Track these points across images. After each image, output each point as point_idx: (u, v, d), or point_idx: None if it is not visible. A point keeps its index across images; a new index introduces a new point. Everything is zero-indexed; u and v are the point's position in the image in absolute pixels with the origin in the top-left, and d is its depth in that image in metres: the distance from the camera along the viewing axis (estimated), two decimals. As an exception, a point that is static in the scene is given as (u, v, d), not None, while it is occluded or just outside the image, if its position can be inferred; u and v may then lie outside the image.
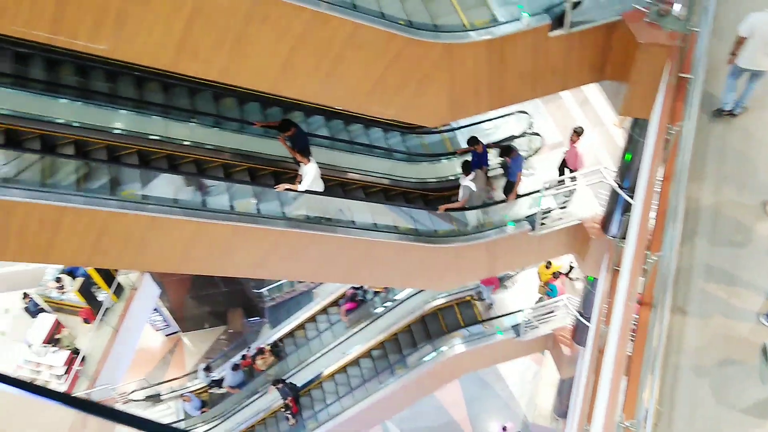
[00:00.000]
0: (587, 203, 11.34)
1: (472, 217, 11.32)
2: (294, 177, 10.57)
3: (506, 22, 8.01)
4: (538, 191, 10.84)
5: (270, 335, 17.54)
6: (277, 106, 12.03)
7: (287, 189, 9.73)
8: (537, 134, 12.55)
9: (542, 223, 11.06)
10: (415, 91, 8.33)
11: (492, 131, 12.91)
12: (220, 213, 9.53)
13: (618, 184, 10.32)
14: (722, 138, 6.62)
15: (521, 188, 11.34)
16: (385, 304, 16.22)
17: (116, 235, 8.92)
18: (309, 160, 9.79)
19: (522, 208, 11.45)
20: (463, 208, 11.05)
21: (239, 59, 7.37)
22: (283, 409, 15.84)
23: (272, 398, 16.05)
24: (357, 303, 16.17)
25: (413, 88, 8.26)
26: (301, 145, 10.37)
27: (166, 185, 9.62)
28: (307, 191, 9.90)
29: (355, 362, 15.94)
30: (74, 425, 2.62)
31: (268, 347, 16.95)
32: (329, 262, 11.01)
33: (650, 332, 4.97)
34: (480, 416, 20.50)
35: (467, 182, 10.66)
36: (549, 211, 11.11)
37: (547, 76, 8.62)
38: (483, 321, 15.23)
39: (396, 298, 16.22)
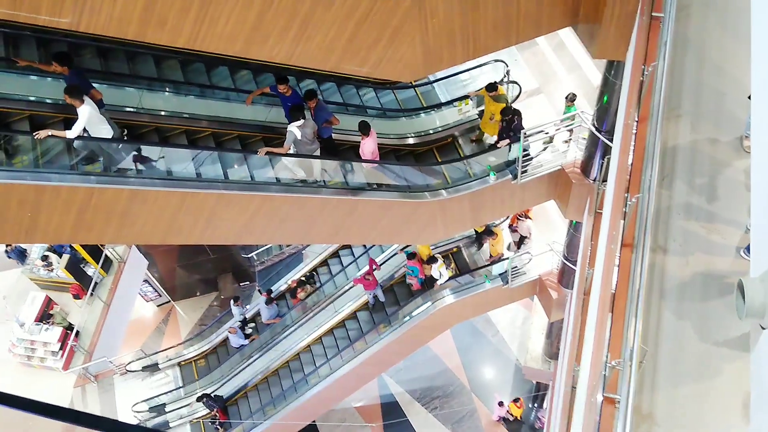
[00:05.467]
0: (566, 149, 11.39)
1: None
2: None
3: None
4: (517, 139, 10.82)
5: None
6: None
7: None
8: (515, 82, 12.47)
9: (524, 171, 11.09)
10: (388, 46, 8.21)
11: (469, 82, 12.82)
12: (203, 182, 9.52)
13: (596, 127, 10.33)
14: (697, 75, 6.61)
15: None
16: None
17: (98, 210, 8.85)
18: (83, 102, 8.55)
19: (501, 156, 11.46)
20: (286, 154, 10.28)
21: (206, 25, 7.22)
22: (211, 422, 15.95)
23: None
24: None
25: (386, 42, 8.15)
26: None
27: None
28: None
29: (352, 317, 16.24)
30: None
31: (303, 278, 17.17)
32: (313, 224, 11.00)
33: (633, 272, 5.05)
34: (473, 363, 20.96)
35: (292, 128, 9.89)
36: (530, 158, 11.12)
37: (520, 22, 8.51)
38: (471, 271, 15.43)
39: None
